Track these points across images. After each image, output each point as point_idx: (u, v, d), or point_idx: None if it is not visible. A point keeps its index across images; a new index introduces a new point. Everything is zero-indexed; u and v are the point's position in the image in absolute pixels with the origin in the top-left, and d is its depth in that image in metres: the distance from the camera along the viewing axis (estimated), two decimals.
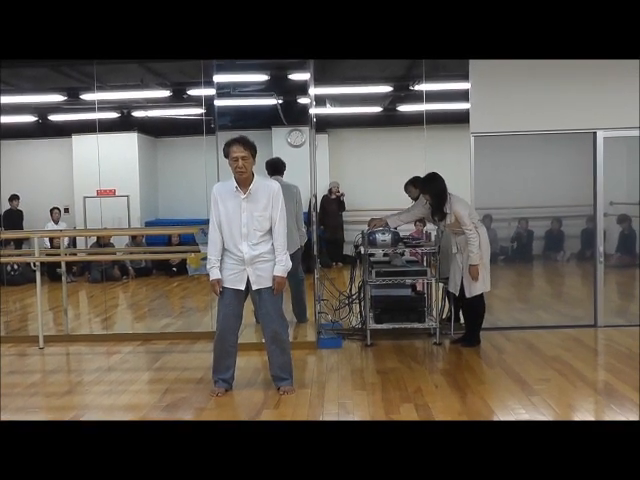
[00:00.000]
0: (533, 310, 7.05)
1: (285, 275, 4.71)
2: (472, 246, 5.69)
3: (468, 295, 5.87)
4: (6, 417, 4.39)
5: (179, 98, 9.98)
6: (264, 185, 4.69)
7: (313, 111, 6.56)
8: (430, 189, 5.91)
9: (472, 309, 6.00)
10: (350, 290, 6.66)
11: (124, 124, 10.49)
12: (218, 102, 6.85)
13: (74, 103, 9.93)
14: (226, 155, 4.61)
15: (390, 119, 11.03)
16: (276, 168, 6.52)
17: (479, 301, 5.96)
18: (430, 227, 6.66)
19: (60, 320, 7.36)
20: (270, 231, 4.66)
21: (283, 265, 4.67)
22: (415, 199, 6.42)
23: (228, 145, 4.59)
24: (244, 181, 4.60)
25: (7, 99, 9.30)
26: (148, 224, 10.65)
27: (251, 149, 4.59)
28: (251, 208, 4.59)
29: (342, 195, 11.78)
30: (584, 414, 4.32)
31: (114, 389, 5.03)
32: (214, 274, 4.69)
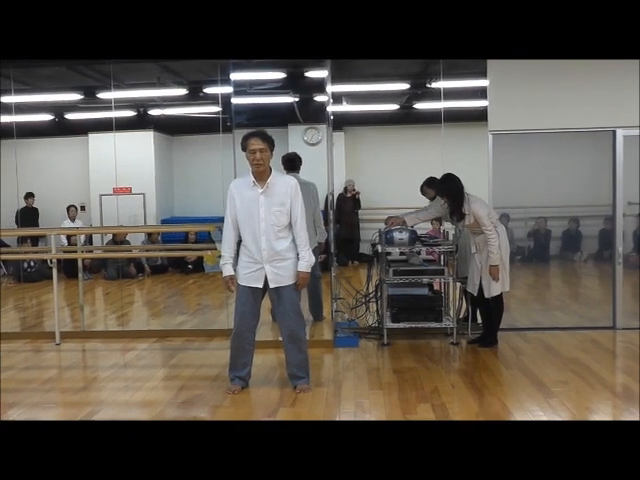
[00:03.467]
0: (550, 311, 6.98)
1: (309, 270, 4.70)
2: (492, 246, 5.64)
3: (487, 295, 5.81)
4: (22, 412, 4.43)
5: (195, 96, 9.98)
6: (282, 180, 4.68)
7: (330, 109, 6.54)
8: (446, 190, 5.86)
9: (490, 309, 5.95)
10: (367, 289, 6.63)
11: (140, 122, 10.51)
12: (235, 100, 6.86)
13: (91, 102, 9.97)
14: (244, 148, 4.60)
15: (407, 117, 10.97)
16: (292, 164, 6.44)
17: (498, 301, 5.90)
18: (447, 226, 6.61)
19: (76, 317, 7.40)
20: (288, 227, 4.64)
21: (307, 261, 4.65)
22: (431, 200, 6.38)
23: (246, 138, 4.58)
24: (261, 175, 4.58)
25: (24, 98, 9.36)
26: (164, 222, 10.68)
27: (269, 142, 4.58)
28: (269, 203, 4.57)
29: (358, 193, 11.75)
30: (602, 417, 4.26)
31: (130, 385, 5.04)
32: (227, 270, 4.68)
